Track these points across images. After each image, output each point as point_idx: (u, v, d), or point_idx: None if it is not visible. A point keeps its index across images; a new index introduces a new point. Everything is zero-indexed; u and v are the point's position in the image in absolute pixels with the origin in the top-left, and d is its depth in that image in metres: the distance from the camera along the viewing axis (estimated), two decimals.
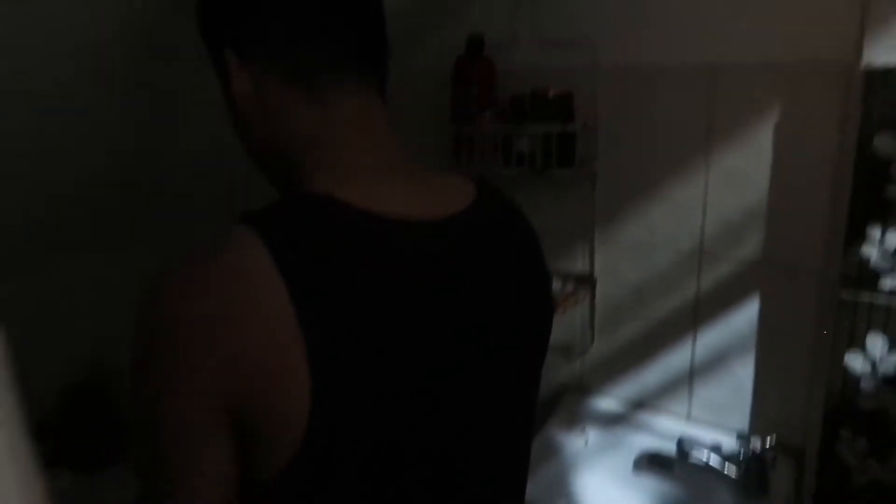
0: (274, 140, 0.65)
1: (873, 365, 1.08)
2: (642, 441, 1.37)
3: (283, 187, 0.68)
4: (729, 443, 1.28)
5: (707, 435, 1.32)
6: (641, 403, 1.42)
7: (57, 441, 1.16)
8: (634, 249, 1.34)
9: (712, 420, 1.34)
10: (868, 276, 1.06)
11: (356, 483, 0.55)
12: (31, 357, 1.11)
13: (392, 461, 0.57)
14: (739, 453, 1.24)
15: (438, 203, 0.63)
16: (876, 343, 1.07)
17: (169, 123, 1.02)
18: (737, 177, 1.20)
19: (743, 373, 1.28)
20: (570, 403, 1.48)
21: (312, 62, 0.63)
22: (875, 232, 1.04)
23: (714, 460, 1.24)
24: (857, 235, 1.05)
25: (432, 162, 1.45)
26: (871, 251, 1.05)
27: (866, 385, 1.10)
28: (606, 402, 1.46)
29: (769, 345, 1.24)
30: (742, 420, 1.31)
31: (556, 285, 1.42)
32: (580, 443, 1.41)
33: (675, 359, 1.35)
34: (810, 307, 1.17)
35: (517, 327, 0.68)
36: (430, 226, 0.61)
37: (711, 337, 1.30)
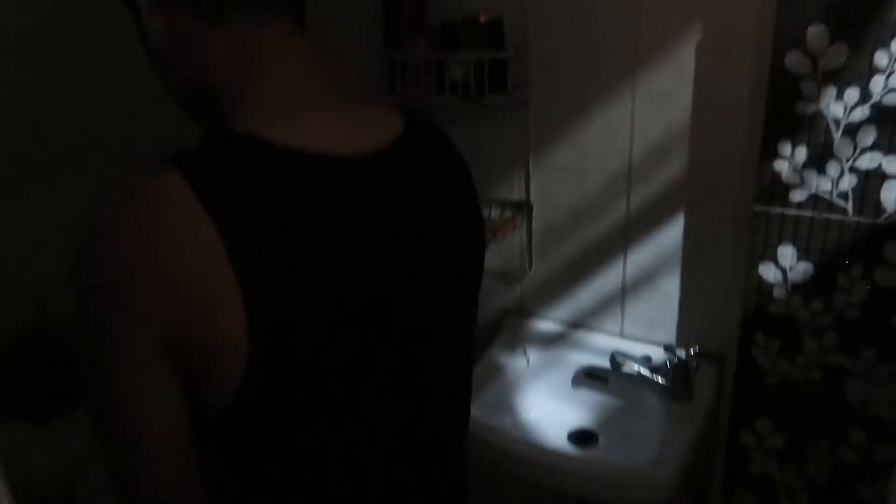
0: (193, 79, 0.65)
1: (784, 273, 1.15)
2: (580, 358, 1.43)
3: (207, 126, 0.67)
4: (658, 354, 1.36)
5: (639, 349, 1.39)
6: (578, 323, 1.49)
7: (8, 391, 1.16)
8: (568, 173, 1.38)
9: (644, 335, 1.42)
10: (779, 190, 1.11)
11: (300, 416, 0.58)
12: None
13: (334, 391, 0.59)
14: (667, 363, 1.32)
15: (364, 137, 0.64)
16: (786, 253, 1.14)
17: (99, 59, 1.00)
18: (662, 97, 1.23)
19: (670, 288, 1.34)
20: (511, 327, 1.54)
21: None
22: (786, 147, 1.09)
23: (644, 370, 1.32)
24: (769, 151, 1.10)
25: (366, 87, 1.45)
26: (782, 166, 1.10)
27: (778, 293, 1.17)
28: (546, 324, 1.52)
29: (693, 260, 1.30)
30: (670, 333, 1.38)
31: (495, 212, 1.46)
32: (522, 363, 1.47)
33: (608, 278, 1.41)
34: (729, 222, 1.23)
35: (449, 256, 0.70)
36: (352, 161, 0.62)
37: (641, 255, 1.35)
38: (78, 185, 1.26)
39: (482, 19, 1.27)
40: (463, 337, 0.76)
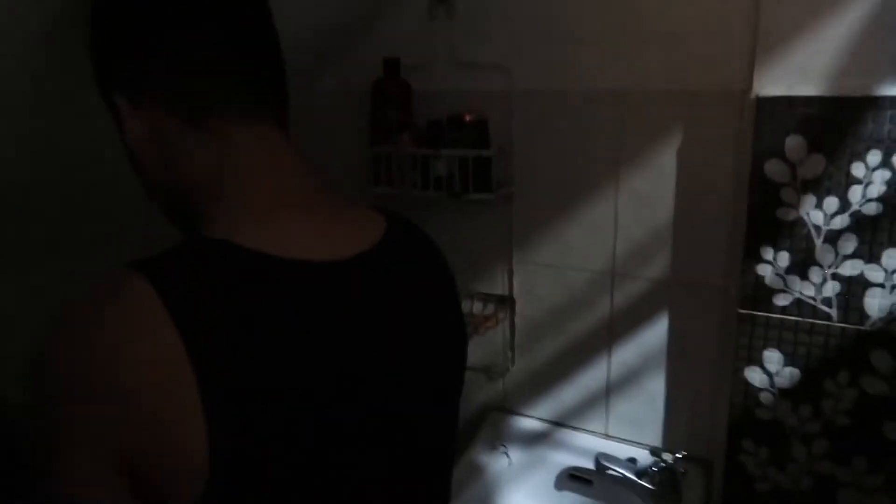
0: (173, 182, 0.64)
1: (770, 378, 1.14)
2: (564, 458, 1.39)
3: (184, 228, 0.66)
4: (644, 457, 1.32)
5: (624, 450, 1.35)
6: (562, 421, 1.45)
7: None
8: (551, 270, 1.37)
9: (629, 435, 1.38)
10: (763, 294, 1.11)
11: None
12: None
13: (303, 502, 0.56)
14: (653, 466, 1.28)
15: (344, 241, 0.63)
16: (772, 357, 1.13)
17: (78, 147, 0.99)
18: (644, 198, 1.24)
19: (655, 388, 1.32)
20: (493, 423, 1.49)
21: (202, 97, 0.62)
22: (768, 252, 1.10)
23: (630, 474, 1.28)
24: (752, 255, 1.11)
25: (351, 182, 1.45)
26: (765, 270, 1.11)
27: (765, 397, 1.15)
28: (528, 422, 1.48)
29: (678, 361, 1.29)
30: (656, 434, 1.35)
31: (477, 306, 1.44)
32: (503, 462, 1.42)
33: (592, 376, 1.38)
34: (713, 324, 1.22)
35: (429, 362, 0.68)
36: (330, 266, 0.60)
37: (625, 354, 1.34)
38: (52, 270, 1.23)
39: (467, 118, 1.30)
40: (444, 442, 0.73)
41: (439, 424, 0.72)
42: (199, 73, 0.62)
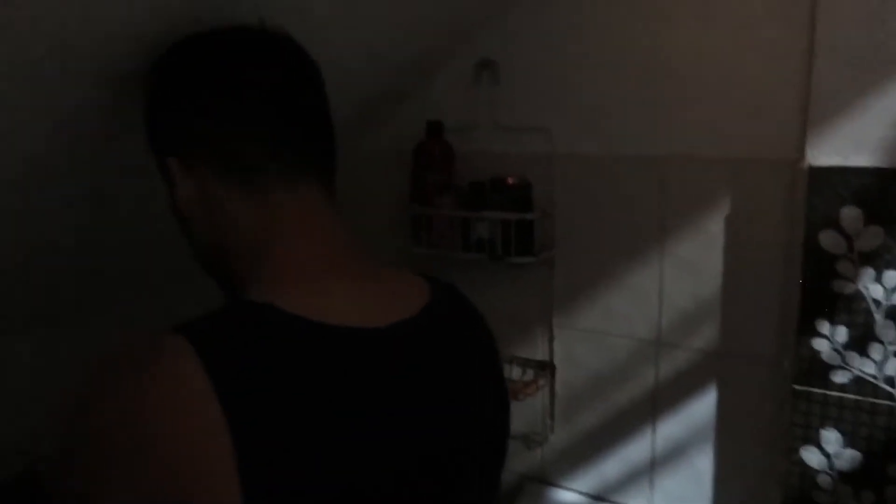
0: (220, 244, 0.65)
1: (829, 460, 1.07)
2: None
3: (229, 289, 0.67)
4: None
5: None
6: (603, 495, 1.38)
7: None
8: (593, 336, 1.34)
9: None
10: (820, 370, 1.06)
11: None
12: None
13: None
14: None
15: (387, 307, 0.62)
16: (830, 438, 1.07)
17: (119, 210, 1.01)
18: (690, 266, 1.21)
19: (703, 465, 1.26)
20: (530, 494, 1.43)
21: (249, 160, 0.63)
22: (824, 326, 1.05)
23: None
24: (808, 328, 1.06)
25: (391, 243, 1.45)
26: (821, 345, 1.05)
27: (823, 480, 1.08)
28: (568, 495, 1.41)
29: (727, 436, 1.22)
30: None
31: (516, 371, 1.40)
32: None
33: (636, 449, 1.33)
34: (766, 399, 1.17)
35: (467, 433, 0.66)
36: (375, 333, 0.59)
37: (671, 427, 1.28)
38: (79, 330, 1.24)
39: (510, 181, 1.29)
40: None
41: (478, 498, 0.69)
42: (247, 137, 0.63)
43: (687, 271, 1.21)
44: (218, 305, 0.58)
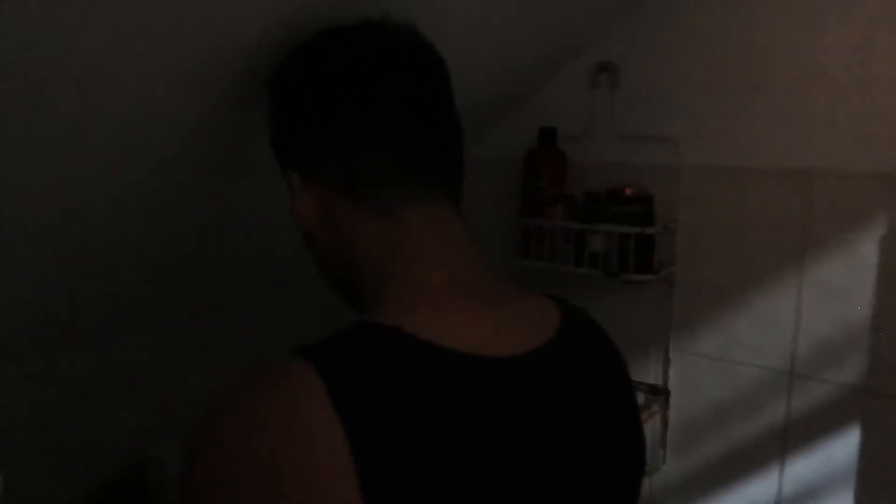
0: (344, 261, 0.61)
1: None
2: None
3: (358, 307, 0.63)
4: None
5: None
6: None
7: None
8: (715, 362, 1.23)
9: None
10: None
11: None
12: (75, 443, 1.07)
13: None
14: None
15: (520, 333, 0.58)
16: None
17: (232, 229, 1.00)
18: (835, 291, 1.09)
19: None
20: None
21: (378, 177, 0.59)
22: None
23: None
24: None
25: (496, 255, 1.39)
26: None
27: None
28: None
29: (872, 483, 1.09)
30: None
31: None
32: None
33: (759, 488, 1.21)
34: None
35: (604, 463, 0.61)
36: (507, 362, 0.54)
37: (802, 468, 1.16)
38: (199, 331, 1.25)
39: (629, 192, 1.21)
40: None
41: None
42: (373, 149, 0.59)
43: (830, 296, 1.10)
44: (344, 325, 0.54)
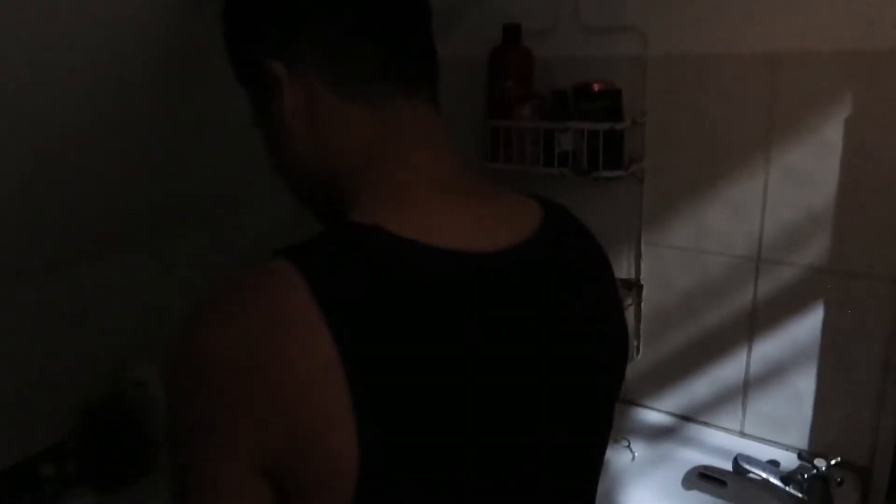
0: (322, 160, 0.59)
1: None
2: (692, 456, 1.29)
3: (328, 218, 0.62)
4: (786, 459, 1.20)
5: (761, 451, 1.23)
6: (691, 416, 1.34)
7: (79, 461, 1.12)
8: (684, 253, 1.26)
9: (767, 435, 1.26)
10: None
11: None
12: (51, 370, 1.08)
13: (450, 498, 0.52)
14: (800, 471, 1.15)
15: (502, 229, 0.57)
16: None
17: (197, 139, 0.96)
18: (800, 176, 1.10)
19: (803, 387, 1.19)
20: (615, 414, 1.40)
21: (371, 65, 0.57)
22: None
23: (774, 479, 1.16)
24: None
25: (467, 158, 1.37)
26: None
27: None
28: (654, 415, 1.38)
29: (834, 358, 1.15)
30: (800, 436, 1.22)
31: None
32: (626, 457, 1.34)
33: (728, 370, 1.27)
34: (881, 320, 1.08)
35: (586, 357, 0.62)
36: (489, 257, 0.55)
37: (769, 347, 1.21)
38: (166, 251, 1.23)
39: (596, 88, 1.18)
40: (598, 441, 0.67)
41: (595, 427, 0.66)
42: (367, 38, 0.56)
43: (796, 181, 1.11)
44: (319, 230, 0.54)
